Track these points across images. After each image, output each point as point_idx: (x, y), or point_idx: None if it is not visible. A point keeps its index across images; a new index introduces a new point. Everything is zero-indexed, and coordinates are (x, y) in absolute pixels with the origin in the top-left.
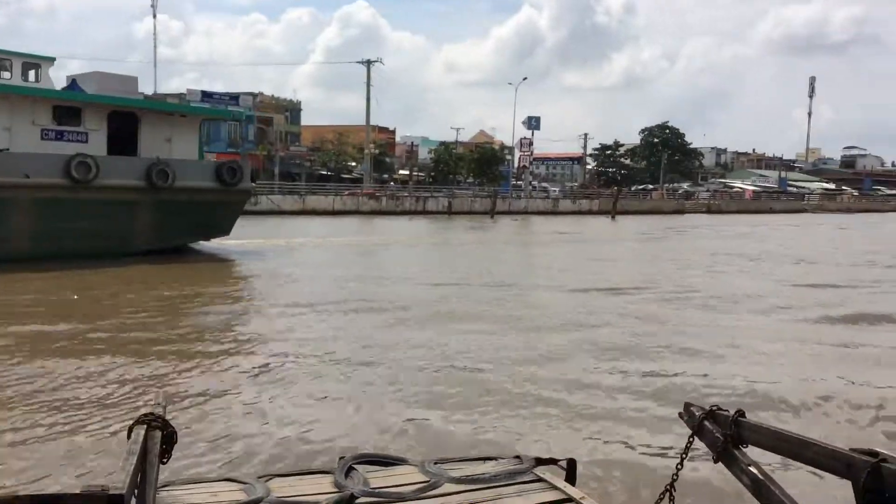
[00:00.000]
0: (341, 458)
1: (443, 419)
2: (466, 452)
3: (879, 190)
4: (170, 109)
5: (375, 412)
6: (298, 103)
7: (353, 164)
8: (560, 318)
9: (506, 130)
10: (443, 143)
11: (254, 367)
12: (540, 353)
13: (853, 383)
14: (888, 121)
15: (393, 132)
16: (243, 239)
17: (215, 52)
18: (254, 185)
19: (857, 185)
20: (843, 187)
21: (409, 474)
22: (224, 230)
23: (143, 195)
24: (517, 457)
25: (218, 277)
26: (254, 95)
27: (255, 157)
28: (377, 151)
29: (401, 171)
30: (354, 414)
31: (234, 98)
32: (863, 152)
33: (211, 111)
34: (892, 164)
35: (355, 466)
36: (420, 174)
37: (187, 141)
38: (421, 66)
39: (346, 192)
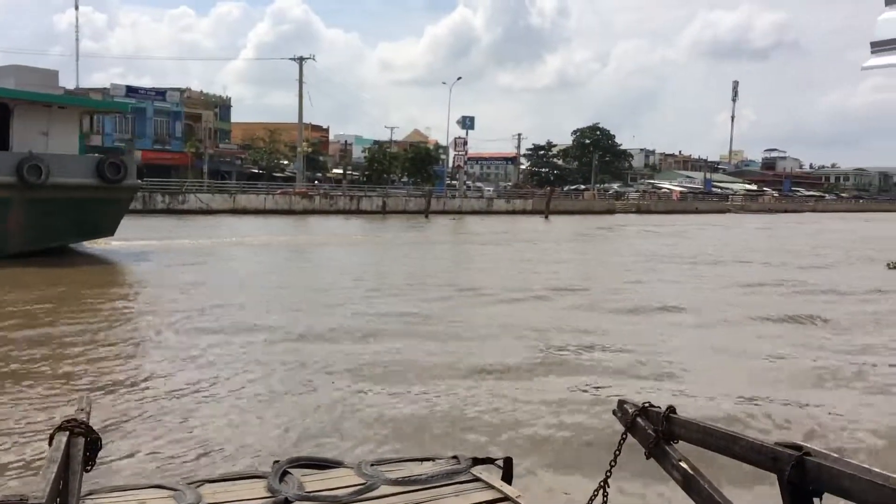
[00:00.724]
0: (275, 461)
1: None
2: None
3: (798, 191)
4: (46, 100)
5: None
6: (228, 100)
7: (286, 162)
8: (497, 326)
9: (440, 130)
10: (377, 142)
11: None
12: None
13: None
14: (806, 124)
15: (326, 130)
16: (161, 240)
17: (141, 46)
18: (141, 182)
19: (777, 186)
20: (765, 188)
21: (346, 477)
22: (107, 230)
23: (14, 193)
24: (454, 457)
25: (89, 283)
26: (181, 91)
27: (183, 155)
28: (310, 150)
29: (334, 170)
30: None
31: (161, 93)
32: (782, 155)
33: (92, 103)
34: (810, 166)
35: (290, 470)
36: (354, 173)
37: (66, 134)
38: (355, 64)
39: (279, 191)
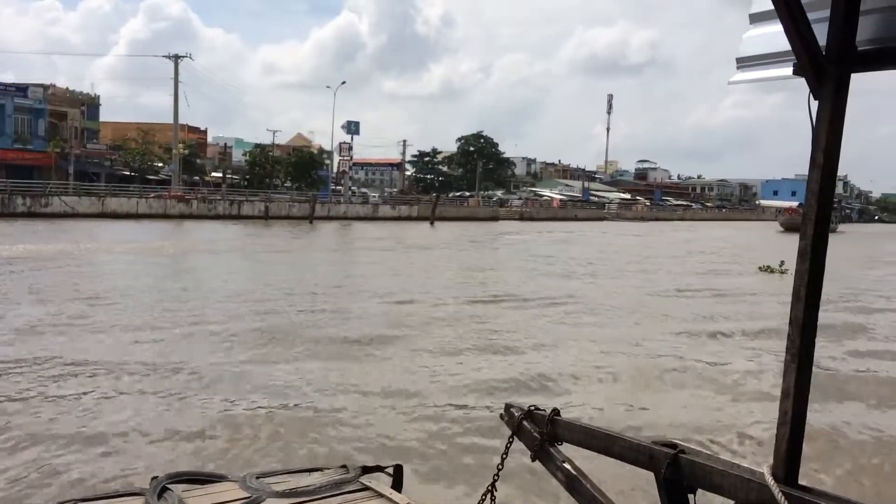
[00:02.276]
0: (154, 477)
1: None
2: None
3: (667, 200)
4: None
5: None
6: (97, 98)
7: (161, 164)
8: (379, 329)
9: (324, 134)
10: (259, 146)
11: None
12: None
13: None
14: (675, 137)
15: (204, 132)
16: (12, 245)
17: (3, 39)
18: None
19: (649, 195)
20: (638, 197)
21: (230, 491)
22: None
23: None
24: (343, 466)
25: None
26: (45, 87)
27: (46, 155)
28: (187, 152)
29: (213, 174)
30: None
31: (22, 89)
32: (653, 166)
33: None
34: (678, 177)
35: (169, 486)
36: (234, 177)
37: None
38: (236, 65)
39: (153, 195)
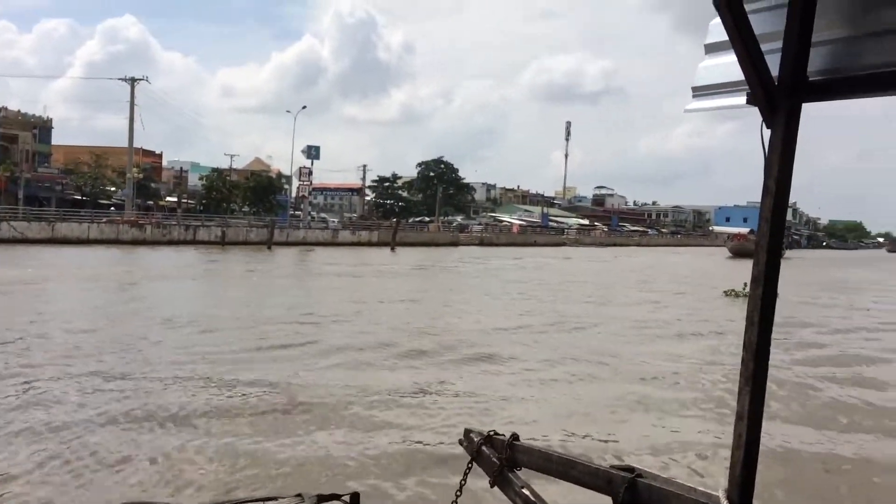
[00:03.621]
0: None
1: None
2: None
3: (624, 226)
4: None
5: None
6: (49, 121)
7: (114, 188)
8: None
9: (283, 159)
10: (215, 170)
11: None
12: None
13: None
14: (631, 164)
15: (160, 156)
16: None
17: None
18: None
19: (607, 221)
20: (596, 223)
21: None
22: None
23: None
24: (298, 495)
25: None
26: None
27: None
28: (141, 176)
29: (168, 198)
30: None
31: None
32: (611, 192)
33: None
34: (634, 203)
35: None
36: (190, 202)
37: None
38: (194, 88)
39: (105, 220)
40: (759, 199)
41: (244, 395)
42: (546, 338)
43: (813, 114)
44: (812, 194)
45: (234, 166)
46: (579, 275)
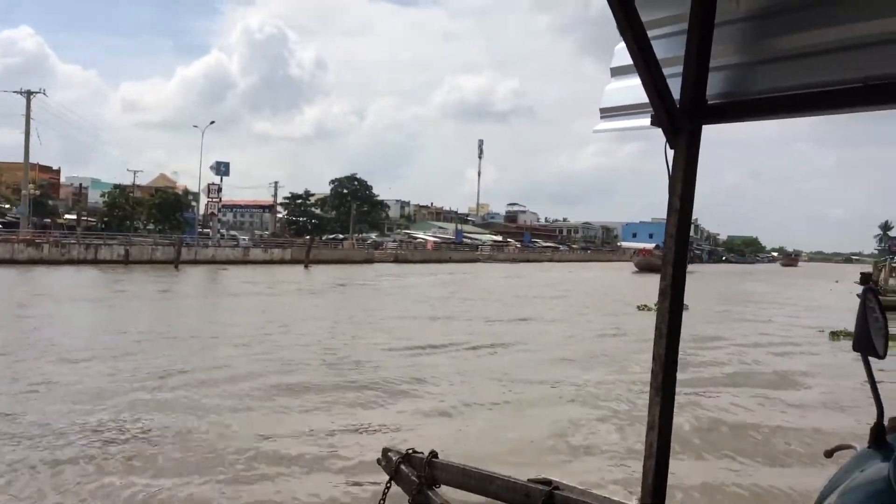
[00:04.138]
0: None
1: None
2: None
3: (537, 242)
4: None
5: None
6: None
7: (8, 206)
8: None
9: (190, 175)
10: (118, 186)
11: None
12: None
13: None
14: (542, 181)
15: (57, 172)
16: None
17: None
18: None
19: (519, 237)
20: (509, 239)
21: None
22: None
23: None
24: None
25: None
26: None
27: None
28: (38, 193)
29: (67, 216)
30: None
31: None
32: (523, 209)
33: None
34: (545, 220)
35: None
36: (90, 219)
37: None
38: (95, 102)
39: None
40: (663, 216)
41: (152, 439)
42: (470, 358)
43: (712, 135)
44: (711, 211)
45: (138, 183)
46: (497, 291)
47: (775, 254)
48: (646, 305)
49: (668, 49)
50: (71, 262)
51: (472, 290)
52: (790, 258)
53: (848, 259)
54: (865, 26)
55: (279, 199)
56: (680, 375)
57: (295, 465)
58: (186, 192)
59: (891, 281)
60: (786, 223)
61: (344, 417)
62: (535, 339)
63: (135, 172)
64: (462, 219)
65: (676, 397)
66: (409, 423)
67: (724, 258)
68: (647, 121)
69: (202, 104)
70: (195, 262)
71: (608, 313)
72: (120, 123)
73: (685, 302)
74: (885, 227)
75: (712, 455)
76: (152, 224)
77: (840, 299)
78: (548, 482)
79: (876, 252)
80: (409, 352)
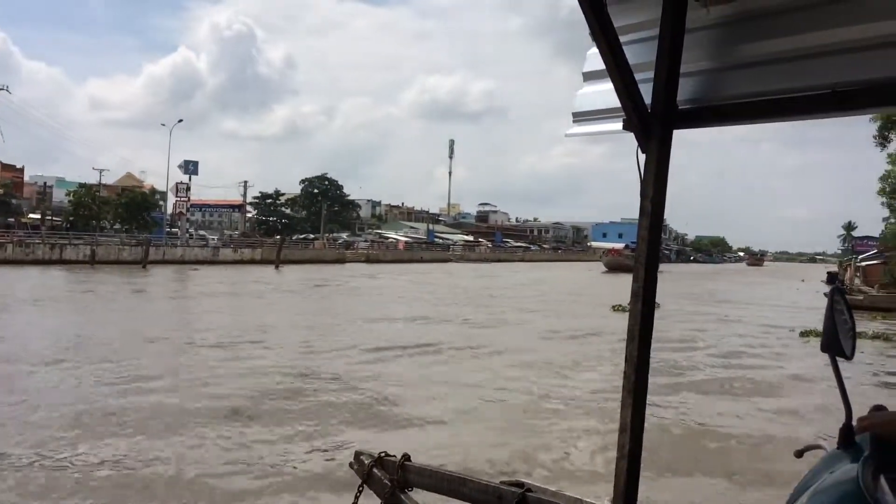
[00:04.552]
0: None
1: None
2: None
3: (508, 242)
4: None
5: None
6: None
7: None
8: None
9: (157, 174)
10: (83, 185)
11: None
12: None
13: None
14: (513, 181)
15: (21, 170)
16: None
17: None
18: None
19: (491, 237)
20: (480, 239)
21: None
22: None
23: None
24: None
25: None
26: None
27: None
28: (1, 191)
29: (31, 215)
30: None
31: None
32: (494, 208)
33: None
34: (516, 220)
35: None
36: (56, 219)
37: None
38: (60, 100)
39: None
40: (632, 216)
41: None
42: (451, 361)
43: (681, 135)
44: (679, 211)
45: (105, 182)
46: (472, 291)
47: (742, 253)
48: (620, 306)
49: (640, 55)
50: (36, 262)
51: (447, 291)
52: (756, 258)
53: (812, 259)
54: (833, 34)
55: (249, 199)
56: (653, 378)
57: (263, 473)
58: (154, 191)
59: (856, 280)
60: (752, 223)
61: (314, 424)
62: (517, 342)
63: (101, 171)
64: (433, 219)
65: (650, 399)
66: (383, 431)
67: (692, 258)
68: (618, 125)
69: (170, 102)
70: (163, 262)
71: (584, 314)
72: (86, 121)
73: (657, 301)
74: (849, 227)
75: (684, 458)
76: (119, 224)
77: (807, 298)
78: (520, 484)
79: (839, 252)
80: (391, 352)
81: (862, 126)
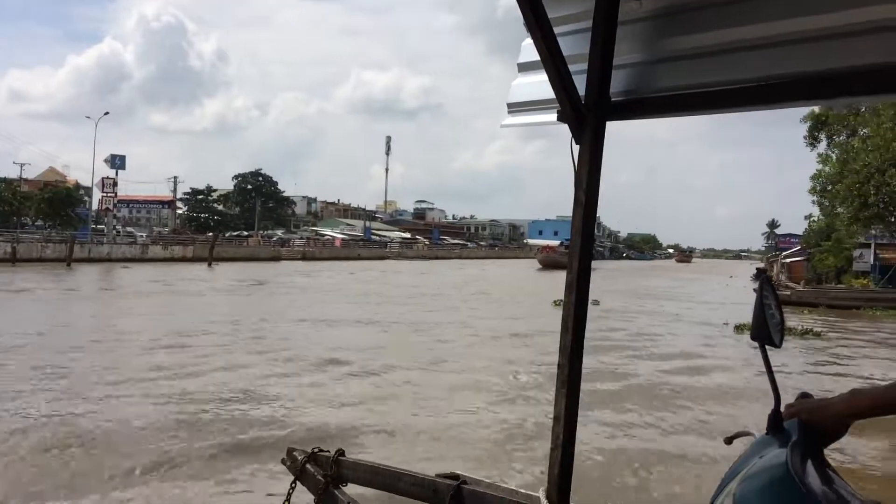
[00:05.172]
0: None
1: None
2: None
3: (445, 239)
4: None
5: None
6: None
7: None
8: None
9: (82, 169)
10: (2, 180)
11: None
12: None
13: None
14: (449, 178)
15: None
16: None
17: None
18: None
19: (428, 234)
20: (417, 237)
21: None
22: None
23: None
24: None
25: None
26: None
27: None
28: None
29: None
30: None
31: None
32: (431, 206)
33: None
34: (453, 217)
35: None
36: None
37: None
38: None
39: None
40: (568, 213)
41: None
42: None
43: (612, 134)
44: (612, 209)
45: (26, 176)
46: (413, 289)
47: (671, 250)
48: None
49: (574, 46)
50: None
51: (390, 289)
52: (685, 255)
53: (738, 255)
54: (764, 27)
55: (179, 195)
56: (600, 381)
57: (189, 476)
58: (78, 186)
59: (781, 276)
60: (680, 220)
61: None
62: (466, 341)
63: (21, 165)
64: (370, 216)
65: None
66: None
67: (624, 255)
68: (553, 116)
69: (95, 95)
70: (89, 259)
71: (528, 314)
72: (5, 114)
73: (595, 298)
74: (772, 224)
75: (622, 454)
76: (41, 220)
77: (738, 294)
78: (455, 476)
79: (763, 248)
80: (333, 368)
81: (785, 126)
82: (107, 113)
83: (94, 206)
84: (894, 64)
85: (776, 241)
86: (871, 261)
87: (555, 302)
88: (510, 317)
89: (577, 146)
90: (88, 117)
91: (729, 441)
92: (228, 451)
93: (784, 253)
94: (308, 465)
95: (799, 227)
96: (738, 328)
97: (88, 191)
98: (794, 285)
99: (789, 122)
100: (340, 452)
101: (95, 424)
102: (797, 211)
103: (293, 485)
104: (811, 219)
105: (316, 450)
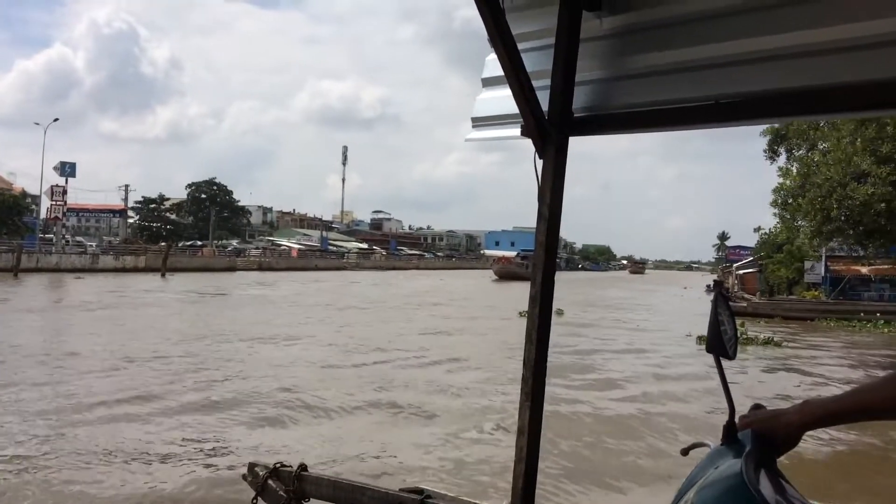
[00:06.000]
0: None
1: None
2: None
3: (402, 250)
4: None
5: None
6: None
7: None
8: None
9: (32, 177)
10: None
11: None
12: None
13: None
14: (406, 189)
15: None
16: None
17: None
18: None
19: (385, 245)
20: (375, 247)
21: None
22: None
23: None
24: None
25: None
26: None
27: None
28: None
29: None
30: None
31: None
32: (388, 216)
33: None
34: (410, 227)
35: None
36: None
37: None
38: None
39: None
40: (524, 224)
41: None
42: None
43: (570, 148)
44: (568, 221)
45: None
46: (373, 300)
47: (625, 261)
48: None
49: (538, 62)
50: None
51: (349, 300)
52: (638, 266)
53: (689, 267)
54: (718, 47)
55: (130, 204)
56: (565, 385)
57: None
58: (25, 194)
59: (735, 288)
60: (634, 232)
61: (202, 440)
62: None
63: None
64: (327, 226)
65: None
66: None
67: (580, 266)
68: (517, 131)
69: (43, 100)
70: (37, 269)
71: (495, 323)
72: None
73: (559, 307)
74: (723, 237)
75: (589, 461)
76: None
77: (693, 305)
78: (420, 491)
79: (714, 260)
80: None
81: (736, 141)
82: (56, 119)
83: (43, 214)
84: (846, 84)
85: (726, 252)
86: (823, 272)
87: (520, 313)
88: (479, 333)
89: (541, 161)
90: (37, 123)
91: (685, 452)
92: None
93: (736, 264)
94: (270, 481)
95: (748, 239)
96: (701, 339)
97: (36, 199)
98: (750, 297)
99: (740, 136)
100: (303, 467)
101: None
102: (747, 223)
103: (254, 501)
104: (761, 231)
105: (278, 465)
